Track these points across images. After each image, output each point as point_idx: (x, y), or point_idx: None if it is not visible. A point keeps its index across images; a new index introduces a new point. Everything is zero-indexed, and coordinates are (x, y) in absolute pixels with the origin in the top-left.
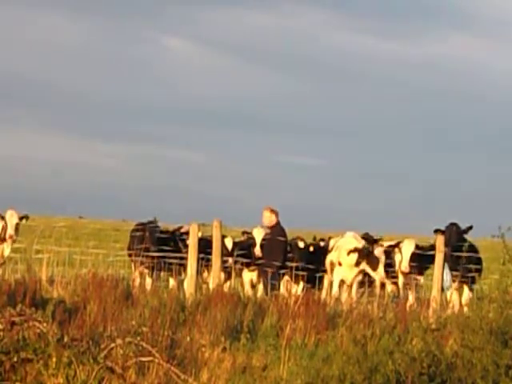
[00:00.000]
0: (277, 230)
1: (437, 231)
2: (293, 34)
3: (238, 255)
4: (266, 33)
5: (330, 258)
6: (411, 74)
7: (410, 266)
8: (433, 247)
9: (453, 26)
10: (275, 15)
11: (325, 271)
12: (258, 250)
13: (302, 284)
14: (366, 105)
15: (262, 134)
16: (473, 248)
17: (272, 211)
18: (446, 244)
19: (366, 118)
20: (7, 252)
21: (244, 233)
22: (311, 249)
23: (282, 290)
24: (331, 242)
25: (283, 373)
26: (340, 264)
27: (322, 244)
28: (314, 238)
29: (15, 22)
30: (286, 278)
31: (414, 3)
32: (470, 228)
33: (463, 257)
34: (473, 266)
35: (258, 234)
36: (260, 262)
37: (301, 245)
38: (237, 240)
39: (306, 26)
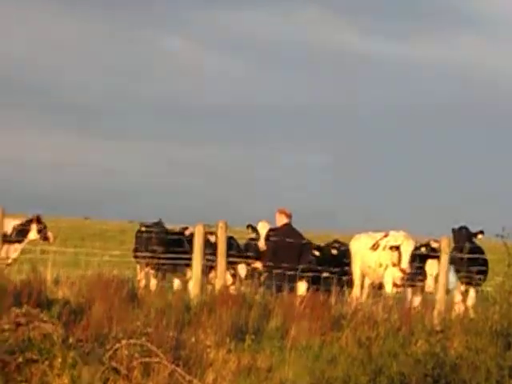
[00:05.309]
0: (285, 230)
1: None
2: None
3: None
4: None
5: (374, 258)
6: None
7: (410, 266)
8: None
9: None
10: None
11: (345, 273)
12: (261, 243)
13: (305, 285)
14: None
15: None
16: (479, 250)
17: (282, 213)
18: (456, 246)
19: None
20: (15, 254)
21: (249, 226)
22: (334, 251)
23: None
24: (365, 241)
25: (288, 374)
26: (395, 264)
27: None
28: (335, 241)
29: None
30: None
31: None
32: (481, 232)
33: (469, 259)
34: (479, 268)
35: (263, 228)
36: (268, 262)
37: (334, 252)
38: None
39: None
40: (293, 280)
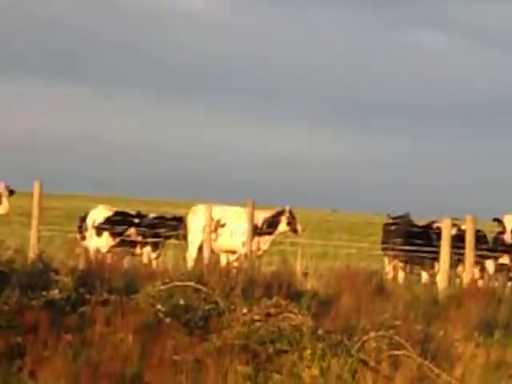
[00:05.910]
0: None
1: None
2: None
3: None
4: None
5: None
6: None
7: None
8: None
9: None
10: None
11: None
12: (508, 236)
13: None
14: None
15: None
16: None
17: None
18: None
19: None
20: (265, 246)
21: (495, 220)
22: None
23: None
24: None
25: None
26: None
27: None
28: None
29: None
30: None
31: None
32: None
33: None
34: None
35: (509, 222)
36: None
37: None
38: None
39: None
40: None
